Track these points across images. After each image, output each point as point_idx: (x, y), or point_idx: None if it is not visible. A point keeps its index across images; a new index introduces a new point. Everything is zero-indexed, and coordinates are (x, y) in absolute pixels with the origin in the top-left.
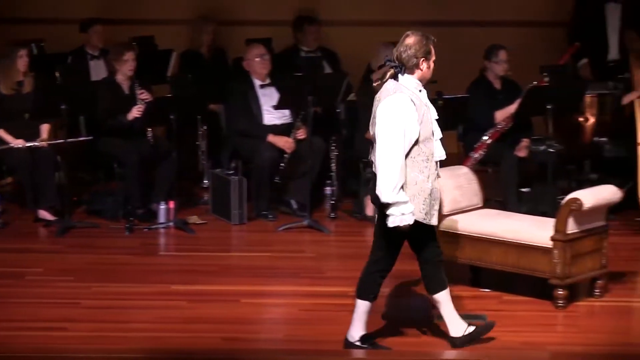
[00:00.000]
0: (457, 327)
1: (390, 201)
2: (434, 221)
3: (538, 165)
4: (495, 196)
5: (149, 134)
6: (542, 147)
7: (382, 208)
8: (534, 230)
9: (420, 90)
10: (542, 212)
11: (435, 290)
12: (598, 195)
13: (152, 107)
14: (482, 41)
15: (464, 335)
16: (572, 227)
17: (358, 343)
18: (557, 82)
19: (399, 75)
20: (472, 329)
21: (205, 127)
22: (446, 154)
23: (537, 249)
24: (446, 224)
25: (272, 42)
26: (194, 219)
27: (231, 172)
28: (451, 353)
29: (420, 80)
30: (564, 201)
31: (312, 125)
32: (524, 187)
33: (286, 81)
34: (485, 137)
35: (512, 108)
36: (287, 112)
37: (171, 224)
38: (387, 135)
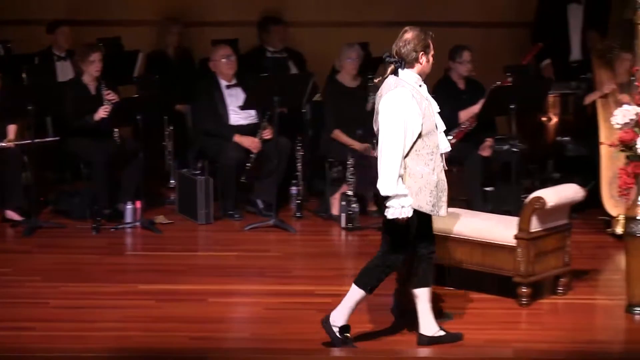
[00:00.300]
0: (428, 326)
1: (390, 194)
2: (442, 212)
3: (502, 164)
4: (460, 195)
5: (116, 135)
6: (506, 147)
7: (384, 201)
8: (498, 228)
9: (420, 85)
10: (506, 210)
11: (418, 285)
12: (561, 194)
13: (118, 108)
14: (446, 42)
15: (432, 336)
16: (535, 226)
17: (335, 330)
18: (520, 82)
19: (399, 70)
20: (442, 333)
21: (171, 128)
22: None
23: (501, 248)
24: None
25: (238, 42)
26: (160, 218)
27: (197, 172)
28: (416, 351)
29: (420, 75)
30: (527, 200)
31: (278, 126)
32: (488, 186)
33: (252, 81)
34: (449, 137)
35: (476, 108)
36: (253, 112)
37: (138, 223)
38: (387, 129)
